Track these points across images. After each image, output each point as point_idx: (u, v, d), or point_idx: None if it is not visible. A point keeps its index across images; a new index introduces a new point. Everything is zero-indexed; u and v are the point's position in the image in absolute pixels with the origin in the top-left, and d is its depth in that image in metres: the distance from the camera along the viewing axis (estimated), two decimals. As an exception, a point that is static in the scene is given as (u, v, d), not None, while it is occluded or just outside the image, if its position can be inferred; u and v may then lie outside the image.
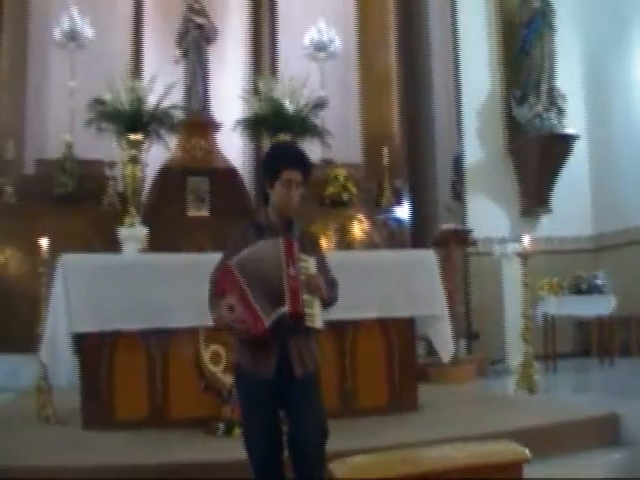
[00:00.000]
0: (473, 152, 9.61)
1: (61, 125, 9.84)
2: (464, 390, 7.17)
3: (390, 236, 10.09)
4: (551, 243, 10.15)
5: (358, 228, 10.08)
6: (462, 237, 8.02)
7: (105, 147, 9.45)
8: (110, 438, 4.79)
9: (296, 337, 3.17)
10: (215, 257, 3.34)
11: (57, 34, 10.00)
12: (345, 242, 10.00)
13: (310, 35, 10.91)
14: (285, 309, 3.06)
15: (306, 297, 3.12)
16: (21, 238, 8.58)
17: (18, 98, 9.85)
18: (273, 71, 10.69)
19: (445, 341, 5.60)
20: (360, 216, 10.04)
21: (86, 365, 5.15)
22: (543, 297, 8.81)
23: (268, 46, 10.93)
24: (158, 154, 9.72)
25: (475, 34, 10.05)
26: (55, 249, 8.89)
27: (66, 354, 5.02)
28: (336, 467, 2.06)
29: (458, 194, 9.45)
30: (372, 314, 5.46)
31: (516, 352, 8.25)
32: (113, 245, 8.74)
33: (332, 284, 3.36)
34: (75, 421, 5.19)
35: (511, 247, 8.38)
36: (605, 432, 4.96)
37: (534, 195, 10.45)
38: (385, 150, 10.23)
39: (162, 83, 9.28)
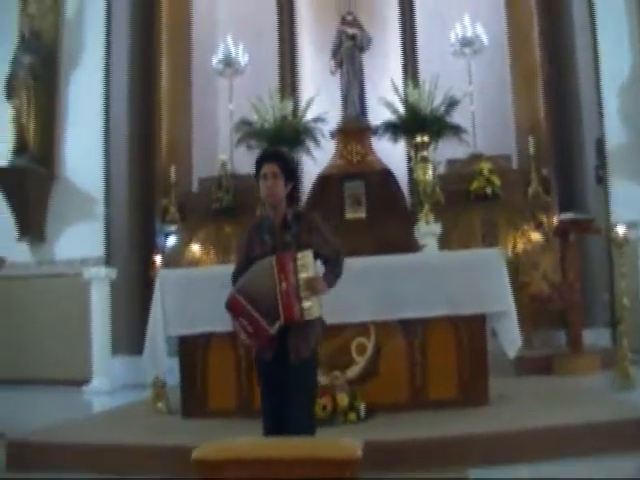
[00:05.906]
0: (615, 134, 9.18)
1: (225, 144, 10.99)
2: (566, 382, 7.04)
3: (537, 225, 10.02)
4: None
5: (504, 220, 10.12)
6: (584, 226, 7.81)
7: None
8: (200, 424, 5.58)
9: (294, 329, 3.72)
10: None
11: (215, 62, 11.18)
12: (491, 235, 10.07)
13: (455, 32, 11.05)
14: (281, 321, 3.65)
15: (303, 294, 3.63)
16: (179, 253, 9.79)
17: (184, 123, 11.09)
18: (414, 73, 11.00)
19: (511, 336, 5.69)
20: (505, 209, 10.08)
21: (184, 363, 6.01)
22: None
23: (410, 49, 11.25)
24: (323, 157, 10.63)
25: (614, 14, 9.51)
26: (217, 258, 10.08)
27: (163, 355, 5.87)
28: (197, 450, 2.57)
29: (600, 178, 9.12)
30: (440, 312, 5.72)
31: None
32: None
33: (335, 260, 3.85)
34: (182, 411, 6.02)
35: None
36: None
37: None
38: (530, 139, 10.17)
39: (322, 95, 10.09)
